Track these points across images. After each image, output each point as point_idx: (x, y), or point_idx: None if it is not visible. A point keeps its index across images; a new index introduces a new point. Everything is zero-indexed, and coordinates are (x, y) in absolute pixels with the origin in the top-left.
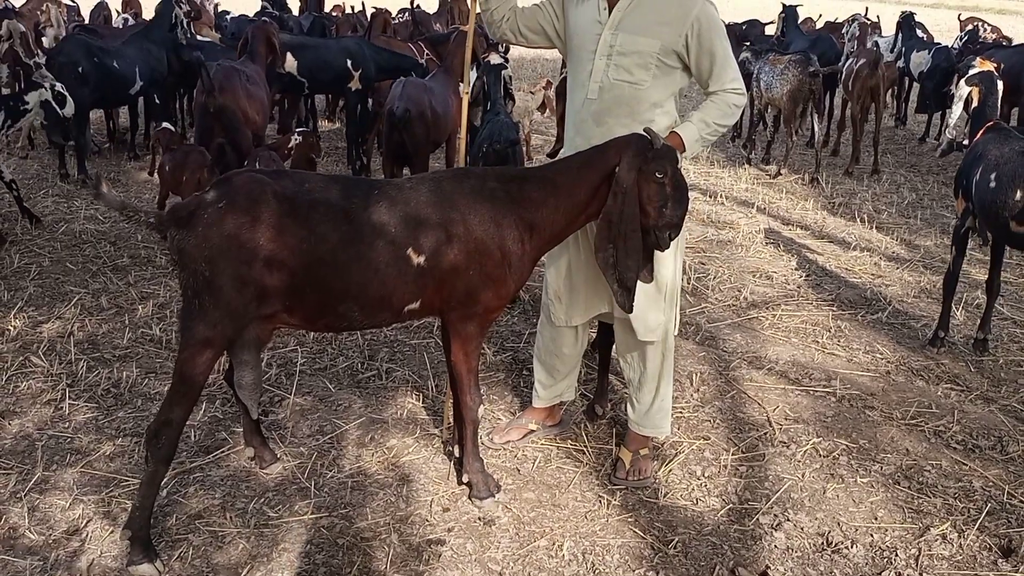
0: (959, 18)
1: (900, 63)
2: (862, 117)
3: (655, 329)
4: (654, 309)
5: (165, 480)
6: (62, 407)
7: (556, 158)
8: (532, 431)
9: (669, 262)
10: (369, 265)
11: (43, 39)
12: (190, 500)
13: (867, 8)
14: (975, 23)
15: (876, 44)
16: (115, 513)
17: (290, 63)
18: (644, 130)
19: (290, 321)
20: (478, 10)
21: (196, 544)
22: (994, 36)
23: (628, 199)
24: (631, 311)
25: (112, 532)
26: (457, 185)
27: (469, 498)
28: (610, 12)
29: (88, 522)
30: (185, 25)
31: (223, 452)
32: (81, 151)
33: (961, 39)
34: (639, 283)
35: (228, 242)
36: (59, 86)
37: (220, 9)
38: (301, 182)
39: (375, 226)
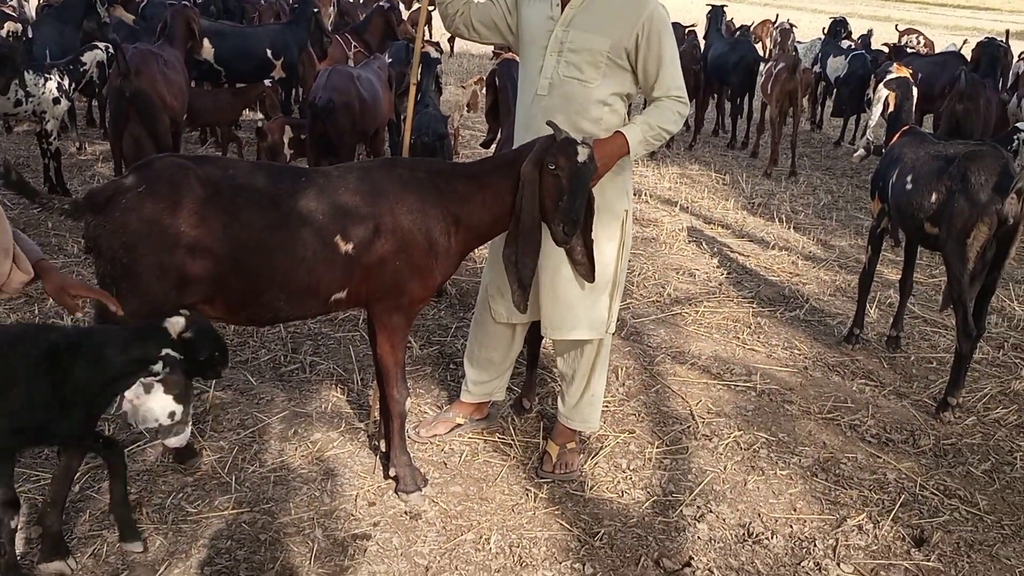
0: (896, 28)
1: (816, 68)
2: (780, 120)
3: (597, 328)
4: (596, 308)
5: (77, 475)
6: None
7: (490, 148)
8: (459, 425)
9: (611, 259)
10: (296, 252)
11: None
12: (104, 495)
13: (777, 15)
14: (912, 34)
15: (795, 49)
16: (25, 510)
17: (207, 50)
18: (547, 123)
19: (212, 313)
20: (430, 7)
21: (111, 541)
22: (926, 50)
23: (527, 193)
24: (524, 311)
25: (22, 529)
26: (386, 174)
27: (395, 492)
28: (563, 9)
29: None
30: (103, 7)
31: (139, 446)
32: None
33: (855, 42)
34: (582, 281)
35: (147, 228)
36: (109, 48)
37: None
38: (225, 167)
39: (302, 213)
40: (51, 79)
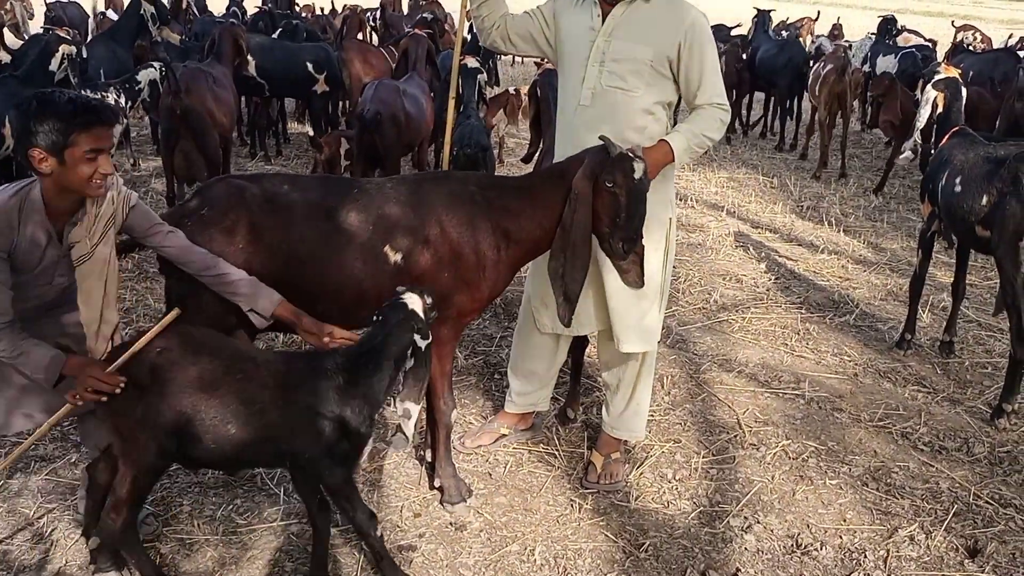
0: (952, 24)
1: (866, 67)
2: (830, 122)
3: (648, 340)
4: (646, 319)
5: None
6: None
7: (531, 162)
8: (504, 435)
9: (657, 268)
10: (347, 262)
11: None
12: (157, 506)
13: (819, 12)
14: (969, 31)
15: (845, 50)
16: (81, 520)
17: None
18: (600, 137)
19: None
20: (468, 19)
21: (164, 552)
22: (983, 46)
23: (580, 208)
24: (569, 324)
25: (78, 540)
26: (437, 187)
27: (441, 503)
28: (603, 20)
29: (53, 530)
30: (153, 27)
31: None
32: None
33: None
34: (630, 292)
35: (209, 248)
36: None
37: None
38: (280, 184)
39: (353, 225)
40: (107, 97)
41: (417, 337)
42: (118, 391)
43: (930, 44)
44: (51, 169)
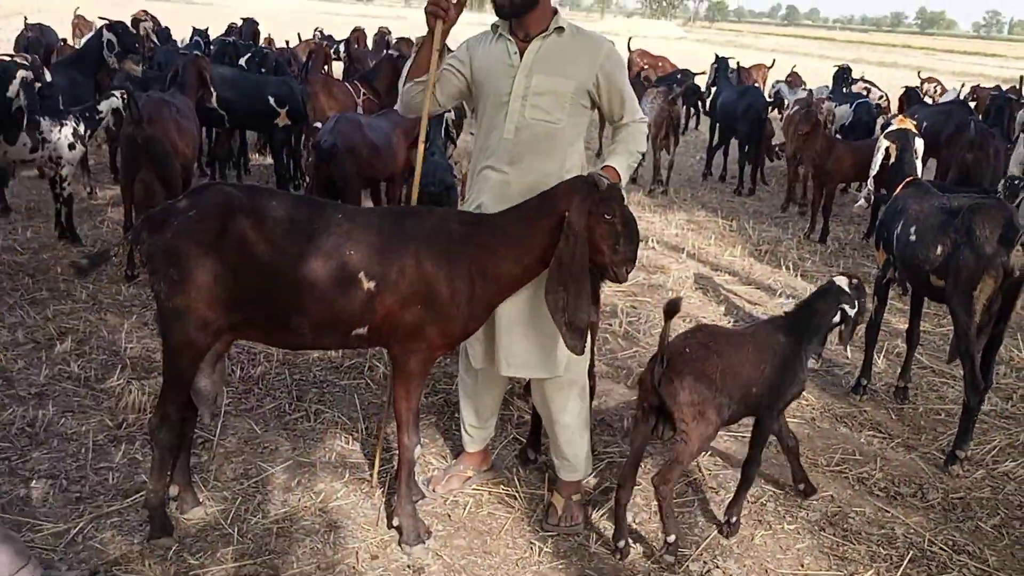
0: (919, 75)
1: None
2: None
3: (551, 367)
4: (555, 346)
5: (81, 525)
6: None
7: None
8: (470, 477)
9: None
10: (321, 283)
11: None
12: (107, 546)
13: (773, 60)
14: (932, 83)
15: (811, 93)
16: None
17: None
18: (589, 174)
19: (251, 335)
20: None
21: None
22: (938, 95)
23: (580, 242)
24: (582, 352)
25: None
26: (418, 221)
27: (399, 544)
28: (521, 56)
29: None
30: (111, 56)
31: (143, 495)
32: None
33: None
34: (540, 320)
35: (193, 250)
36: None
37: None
38: (269, 198)
39: (332, 246)
40: (67, 125)
41: (845, 307)
42: None
43: (872, 93)
44: None
